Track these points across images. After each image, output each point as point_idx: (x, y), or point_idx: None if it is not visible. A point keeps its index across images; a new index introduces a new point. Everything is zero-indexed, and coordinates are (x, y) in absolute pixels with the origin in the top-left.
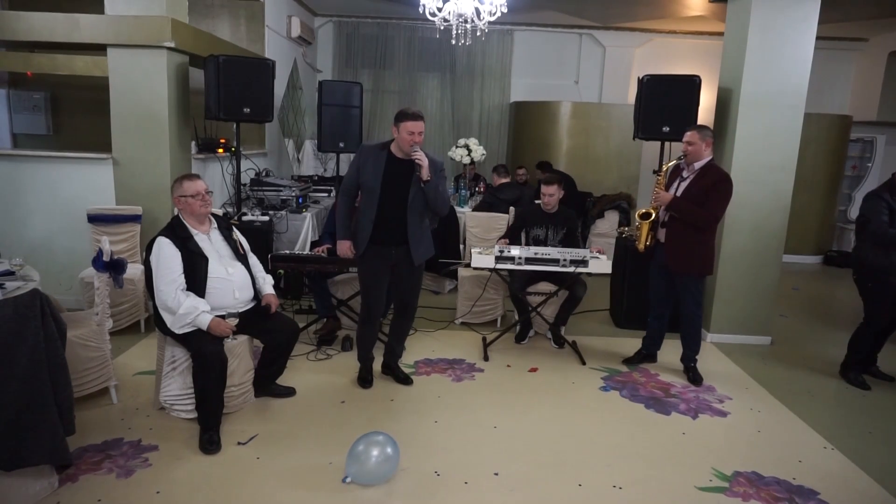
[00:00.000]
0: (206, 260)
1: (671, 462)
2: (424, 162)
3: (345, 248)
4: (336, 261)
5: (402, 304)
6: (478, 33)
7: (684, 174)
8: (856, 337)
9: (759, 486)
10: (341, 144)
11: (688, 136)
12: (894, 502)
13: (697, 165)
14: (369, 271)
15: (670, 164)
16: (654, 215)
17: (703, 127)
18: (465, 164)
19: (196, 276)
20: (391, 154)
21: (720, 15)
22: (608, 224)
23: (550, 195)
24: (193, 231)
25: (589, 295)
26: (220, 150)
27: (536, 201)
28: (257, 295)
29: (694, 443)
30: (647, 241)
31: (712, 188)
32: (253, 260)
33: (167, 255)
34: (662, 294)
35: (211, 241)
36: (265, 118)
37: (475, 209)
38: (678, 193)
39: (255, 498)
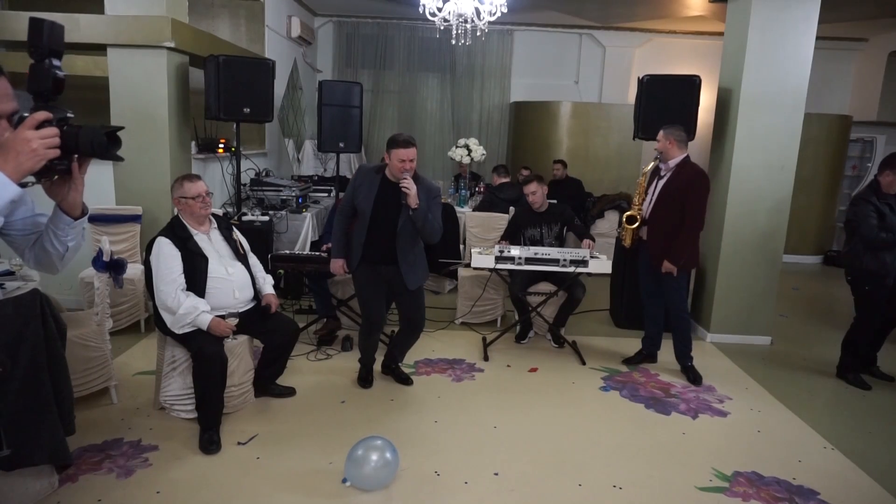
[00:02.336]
0: (206, 260)
1: (671, 462)
2: (412, 191)
3: (337, 266)
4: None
5: (410, 323)
6: (478, 33)
7: (662, 172)
8: (848, 339)
9: (759, 486)
10: (341, 144)
11: (658, 135)
12: (894, 502)
13: (672, 163)
14: (364, 282)
15: (649, 167)
16: (639, 220)
17: (670, 126)
18: (462, 163)
19: (196, 276)
20: (385, 178)
21: (720, 15)
22: (608, 224)
23: (532, 193)
24: (193, 231)
25: (589, 295)
26: (220, 150)
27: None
28: (257, 295)
29: (694, 443)
30: (632, 238)
31: (688, 188)
32: (253, 260)
33: (167, 255)
34: (652, 291)
35: (211, 241)
36: (265, 118)
37: (476, 209)
38: (656, 191)
39: (255, 498)
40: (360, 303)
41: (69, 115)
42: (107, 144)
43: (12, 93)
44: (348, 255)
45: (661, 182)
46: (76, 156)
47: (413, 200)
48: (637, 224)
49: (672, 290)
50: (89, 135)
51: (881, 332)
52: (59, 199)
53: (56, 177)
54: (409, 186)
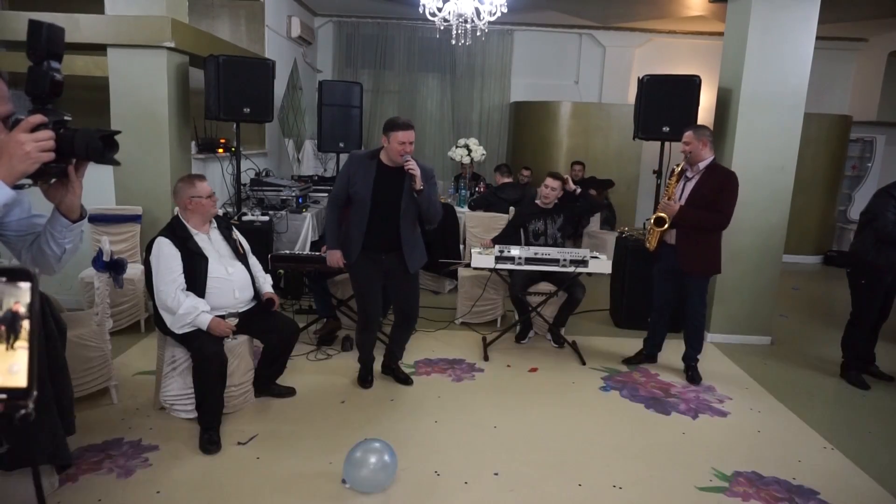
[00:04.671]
0: (206, 260)
1: (671, 462)
2: (417, 172)
3: (335, 258)
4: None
5: (404, 314)
6: (478, 33)
7: (688, 174)
8: (846, 336)
9: (759, 486)
10: (341, 144)
11: (685, 136)
12: (894, 502)
13: (702, 165)
14: (362, 277)
15: (677, 168)
16: (667, 222)
17: (699, 126)
18: (463, 164)
19: (196, 276)
20: (381, 163)
21: (720, 15)
22: (593, 224)
23: (552, 188)
24: (193, 231)
25: (589, 295)
26: (220, 150)
27: (536, 201)
28: (257, 294)
29: (694, 443)
30: (658, 241)
31: (723, 188)
32: (252, 260)
33: (167, 256)
34: (668, 296)
35: (211, 241)
36: (265, 118)
37: (472, 203)
38: (684, 194)
39: (255, 498)
40: (357, 296)
41: (66, 118)
42: (102, 148)
43: (8, 95)
44: (345, 246)
45: (690, 184)
46: (73, 159)
47: (419, 182)
48: (665, 226)
49: (695, 294)
50: (85, 138)
51: (874, 328)
52: (57, 202)
53: (53, 180)
54: (415, 168)
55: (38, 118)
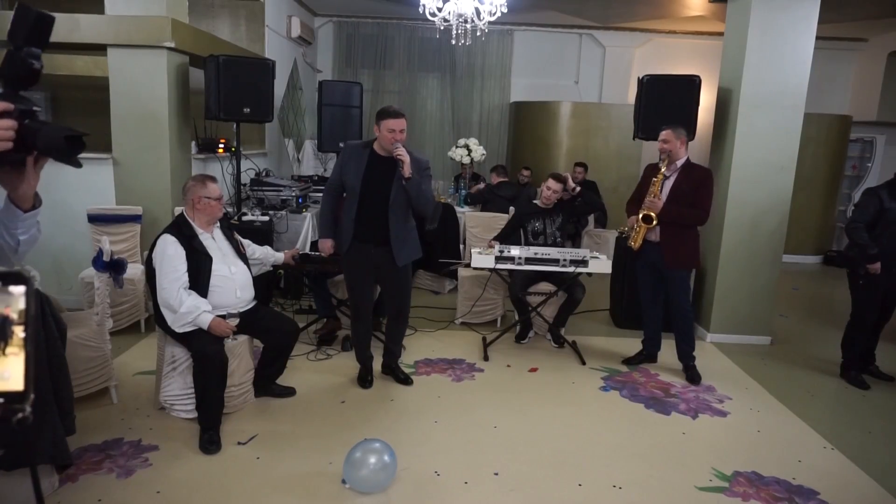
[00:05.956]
0: (210, 259)
1: (671, 462)
2: (406, 158)
3: (326, 246)
4: (336, 260)
5: (395, 309)
6: (478, 33)
7: (666, 173)
8: (847, 336)
9: (759, 486)
10: (341, 144)
11: (662, 135)
12: (894, 502)
13: (679, 164)
14: (352, 268)
15: (664, 168)
16: (655, 219)
17: (676, 126)
18: (463, 164)
19: (200, 274)
20: (373, 152)
21: (720, 15)
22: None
23: (554, 191)
24: (199, 230)
25: (589, 295)
26: (220, 150)
27: (534, 201)
28: (257, 294)
29: (694, 443)
30: (642, 239)
31: (700, 185)
32: (253, 246)
33: (172, 254)
34: (651, 292)
35: (215, 240)
36: (265, 118)
37: (467, 199)
38: (664, 192)
39: (255, 498)
40: (348, 287)
41: (36, 108)
42: (65, 148)
43: None
44: (338, 236)
45: (669, 182)
46: (35, 152)
47: (407, 169)
48: (654, 223)
49: (677, 290)
50: (49, 134)
51: (875, 329)
52: (10, 190)
53: (7, 167)
54: (404, 155)
55: (2, 105)
